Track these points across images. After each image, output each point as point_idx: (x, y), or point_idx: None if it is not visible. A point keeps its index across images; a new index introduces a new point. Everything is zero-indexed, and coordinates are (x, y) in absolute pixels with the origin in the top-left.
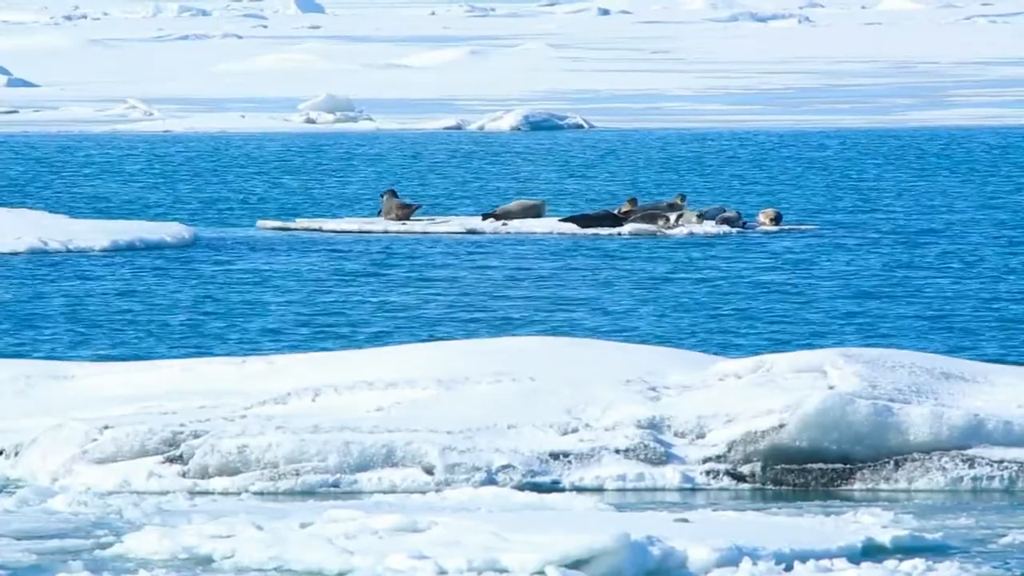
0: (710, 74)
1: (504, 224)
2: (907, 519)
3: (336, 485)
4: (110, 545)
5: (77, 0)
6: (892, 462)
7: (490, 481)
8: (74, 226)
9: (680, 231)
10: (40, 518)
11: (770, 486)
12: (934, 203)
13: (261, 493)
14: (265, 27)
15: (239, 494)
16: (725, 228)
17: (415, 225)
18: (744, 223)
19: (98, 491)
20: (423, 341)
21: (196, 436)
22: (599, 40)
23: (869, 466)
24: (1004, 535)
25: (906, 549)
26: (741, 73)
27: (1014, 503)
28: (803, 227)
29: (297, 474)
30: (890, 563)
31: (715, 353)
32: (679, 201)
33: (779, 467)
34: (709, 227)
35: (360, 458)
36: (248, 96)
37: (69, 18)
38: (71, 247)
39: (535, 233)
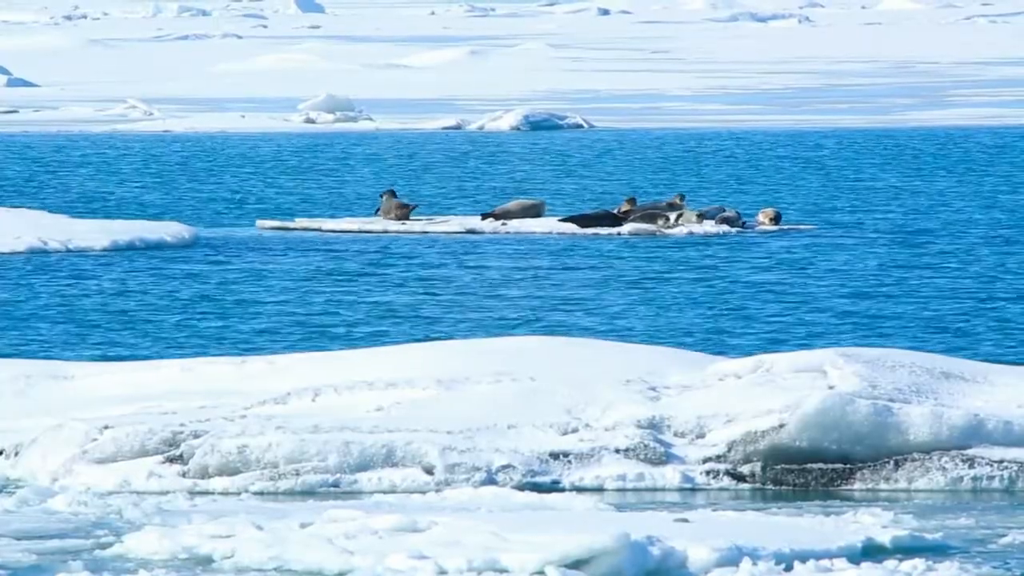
0: (710, 74)
1: (503, 224)
2: (907, 519)
3: (336, 485)
4: (110, 545)
5: (77, 0)
6: (892, 462)
7: (490, 481)
8: (74, 226)
9: (679, 231)
10: (40, 518)
11: (770, 486)
12: (933, 203)
13: (261, 493)
14: (265, 27)
15: (239, 494)
16: (725, 228)
17: (414, 225)
18: (743, 223)
19: (98, 491)
20: (423, 341)
21: (196, 436)
22: (599, 40)
23: (869, 466)
24: (1004, 535)
25: (906, 549)
26: (741, 73)
27: (1014, 503)
28: (802, 227)
29: (297, 474)
30: (890, 563)
31: (715, 353)
32: (678, 201)
33: (779, 467)
34: (709, 227)
35: (360, 458)
36: (248, 96)
37: (69, 18)
38: (71, 247)
39: (534, 233)
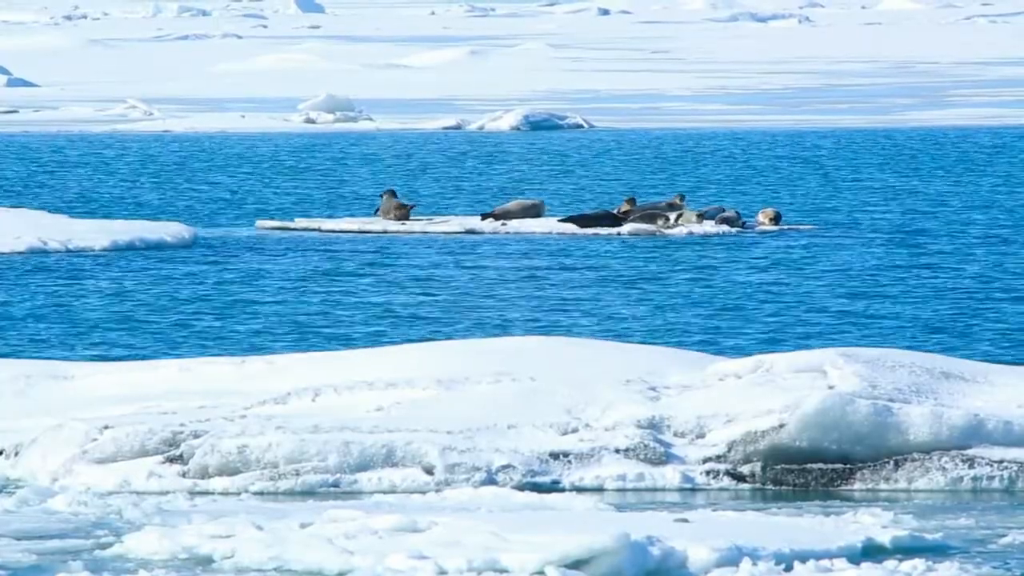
0: (710, 74)
1: (503, 224)
2: (907, 519)
3: (336, 485)
4: (110, 545)
5: (77, 0)
6: (892, 462)
7: (490, 481)
8: (74, 226)
9: (679, 231)
10: (40, 518)
11: (770, 486)
12: (933, 203)
13: (261, 493)
14: (265, 27)
15: (239, 494)
16: (724, 228)
17: (414, 225)
18: (743, 223)
19: (98, 491)
20: (422, 341)
21: (196, 436)
22: (599, 40)
23: (869, 466)
24: (1004, 535)
25: (906, 549)
26: (741, 73)
27: (1014, 503)
28: (802, 227)
29: (297, 474)
30: (890, 563)
31: (714, 353)
32: (678, 201)
33: (779, 467)
34: (708, 227)
35: (360, 458)
36: (248, 96)
37: (69, 18)
38: (71, 247)
39: (534, 233)
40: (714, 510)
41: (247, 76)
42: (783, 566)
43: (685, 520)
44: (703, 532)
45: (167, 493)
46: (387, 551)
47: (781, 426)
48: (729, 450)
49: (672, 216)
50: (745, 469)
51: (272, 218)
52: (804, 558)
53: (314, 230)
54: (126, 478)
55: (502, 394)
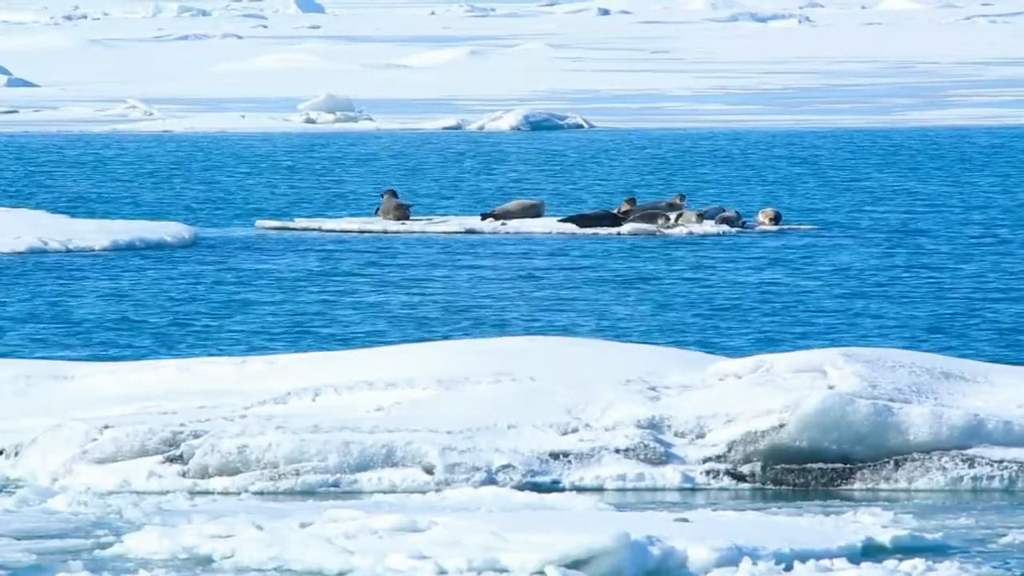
0: (710, 74)
1: (503, 224)
2: (907, 519)
3: (336, 485)
4: (110, 545)
5: (77, 0)
6: (892, 462)
7: (490, 481)
8: (74, 226)
9: (679, 231)
10: (40, 518)
11: (770, 486)
12: (932, 203)
13: (261, 493)
14: (265, 27)
15: (239, 494)
16: (724, 228)
17: (414, 225)
18: (743, 223)
19: (98, 491)
20: (422, 341)
21: (196, 436)
22: (599, 40)
23: (869, 466)
24: (1004, 535)
25: (906, 549)
26: (741, 73)
27: (1014, 503)
28: (802, 227)
29: (297, 474)
30: (890, 563)
31: (714, 353)
32: (678, 201)
33: (779, 467)
34: (708, 227)
35: (360, 458)
36: (248, 96)
37: (69, 18)
38: (71, 247)
39: (534, 233)
40: (714, 510)
41: (247, 76)
42: (783, 566)
43: (685, 520)
44: (703, 532)
45: (167, 493)
46: (387, 551)
47: (781, 426)
48: (729, 450)
49: (672, 216)
50: (745, 469)
51: (272, 218)
52: (804, 558)
53: (314, 230)
54: (126, 478)
55: (502, 394)
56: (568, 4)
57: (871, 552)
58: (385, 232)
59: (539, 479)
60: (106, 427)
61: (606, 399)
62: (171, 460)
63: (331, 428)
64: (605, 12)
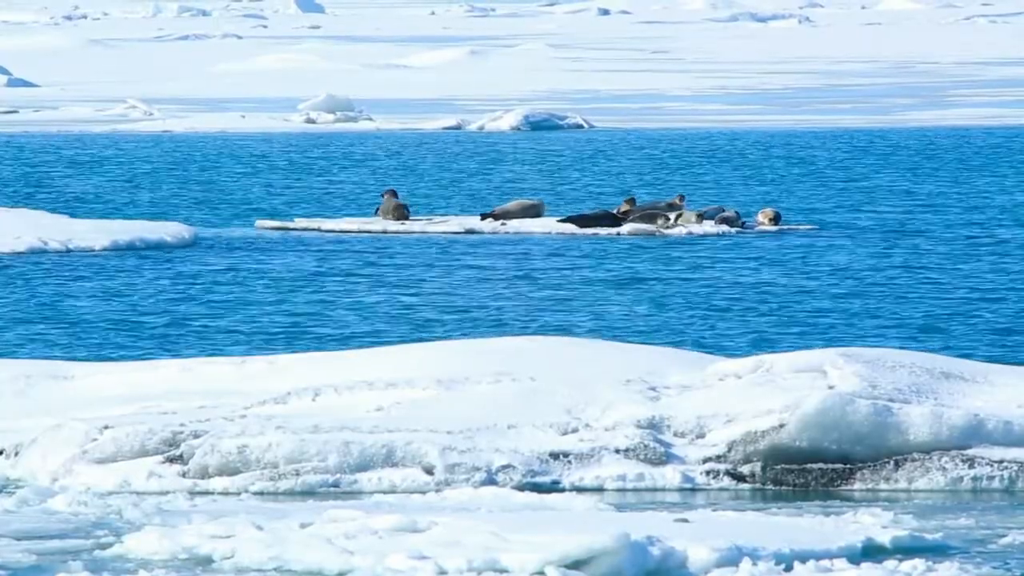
0: (710, 74)
1: (503, 224)
2: (907, 519)
3: (336, 485)
4: (110, 545)
5: (77, 0)
6: (892, 462)
7: (490, 481)
8: (74, 226)
9: (679, 231)
10: (40, 518)
11: (770, 486)
12: (932, 203)
13: (261, 493)
14: (265, 27)
15: (239, 494)
16: (724, 228)
17: (414, 225)
18: (743, 223)
19: (98, 491)
20: (422, 341)
21: (196, 436)
22: (599, 40)
23: (869, 466)
24: (1004, 535)
25: (906, 549)
26: (741, 73)
27: (1014, 503)
28: (802, 227)
29: (297, 474)
30: (890, 563)
31: (714, 353)
32: (678, 201)
33: (779, 467)
34: (708, 227)
35: (360, 458)
36: (248, 96)
37: (69, 18)
38: (71, 247)
39: (534, 233)
40: (714, 510)
41: (247, 76)
42: (783, 566)
43: (685, 520)
44: (703, 532)
45: (167, 493)
46: (387, 551)
47: (781, 426)
48: (729, 450)
49: (672, 216)
50: (745, 469)
51: (272, 218)
52: (804, 558)
53: (314, 230)
54: (126, 478)
55: (502, 394)
56: (568, 4)
57: (871, 552)
58: (385, 232)
59: (539, 479)
60: (106, 427)
61: (606, 399)
62: (171, 460)
63: (331, 428)
64: (605, 12)
